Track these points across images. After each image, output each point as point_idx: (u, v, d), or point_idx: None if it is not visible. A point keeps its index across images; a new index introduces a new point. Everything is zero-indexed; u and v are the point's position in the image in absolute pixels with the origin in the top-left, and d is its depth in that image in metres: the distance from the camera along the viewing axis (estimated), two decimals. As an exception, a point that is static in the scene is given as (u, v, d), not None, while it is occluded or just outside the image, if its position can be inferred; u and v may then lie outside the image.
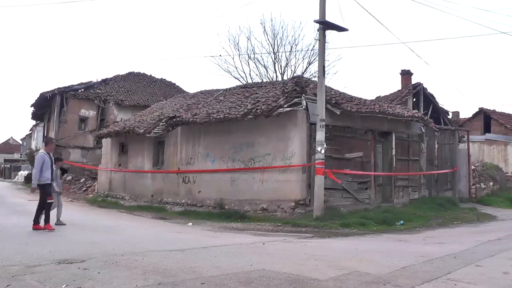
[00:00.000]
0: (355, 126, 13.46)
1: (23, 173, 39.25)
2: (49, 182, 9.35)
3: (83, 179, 24.60)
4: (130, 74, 31.73)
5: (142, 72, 32.55)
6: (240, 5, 68.11)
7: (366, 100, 15.51)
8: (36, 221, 9.13)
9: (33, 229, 8.93)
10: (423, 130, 16.22)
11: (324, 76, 11.71)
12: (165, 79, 33.00)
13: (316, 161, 11.39)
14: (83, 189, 22.79)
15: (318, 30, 12.19)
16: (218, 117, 13.27)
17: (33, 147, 41.84)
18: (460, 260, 6.45)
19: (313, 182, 11.50)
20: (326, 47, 12.19)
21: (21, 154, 55.84)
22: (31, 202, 17.25)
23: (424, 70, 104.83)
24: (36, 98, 28.41)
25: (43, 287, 4.41)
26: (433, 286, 4.83)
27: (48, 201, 9.28)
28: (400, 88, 22.92)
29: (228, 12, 67.53)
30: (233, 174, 13.36)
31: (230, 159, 13.56)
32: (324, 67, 11.86)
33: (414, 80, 22.94)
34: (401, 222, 11.69)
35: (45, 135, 32.43)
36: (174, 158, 15.70)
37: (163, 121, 15.53)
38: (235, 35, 53.30)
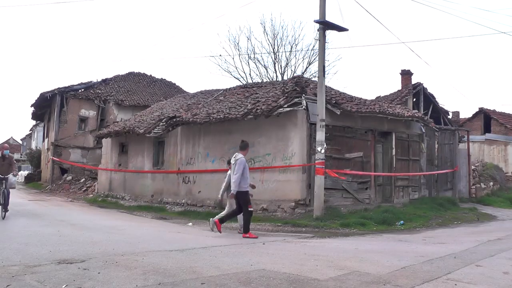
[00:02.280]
0: (355, 126, 13.46)
1: (23, 173, 39.22)
2: (248, 190, 8.95)
3: (83, 179, 24.59)
4: (130, 74, 31.71)
5: (142, 72, 32.53)
6: (240, 5, 68.13)
7: (366, 100, 15.51)
8: (246, 229, 8.79)
9: (243, 237, 8.63)
10: (423, 130, 16.22)
11: (324, 76, 11.71)
12: (165, 79, 32.98)
13: (316, 161, 11.39)
14: (83, 189, 22.78)
15: (318, 30, 12.19)
16: (218, 117, 13.27)
17: (33, 147, 41.87)
18: (460, 260, 6.45)
19: (313, 182, 11.50)
20: (326, 47, 12.18)
21: (21, 154, 55.82)
22: (31, 202, 17.30)
23: (424, 70, 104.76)
24: (36, 98, 28.39)
25: (43, 287, 4.41)
26: (433, 286, 4.83)
27: (250, 209, 8.94)
28: (400, 88, 22.92)
29: (228, 12, 67.56)
30: (233, 174, 13.33)
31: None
32: (324, 67, 11.85)
33: (414, 80, 22.95)
34: (401, 222, 11.70)
35: (46, 135, 32.42)
36: (174, 158, 15.70)
37: (163, 121, 15.52)
38: (235, 35, 53.50)
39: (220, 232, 9.05)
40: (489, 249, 7.66)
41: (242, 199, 8.87)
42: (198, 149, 14.74)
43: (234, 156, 9.17)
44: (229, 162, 9.72)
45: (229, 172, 9.60)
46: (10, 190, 11.66)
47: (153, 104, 23.74)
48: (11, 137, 70.73)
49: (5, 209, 11.23)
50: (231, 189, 8.94)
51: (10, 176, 11.46)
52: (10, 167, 11.46)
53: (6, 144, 11.74)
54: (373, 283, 4.87)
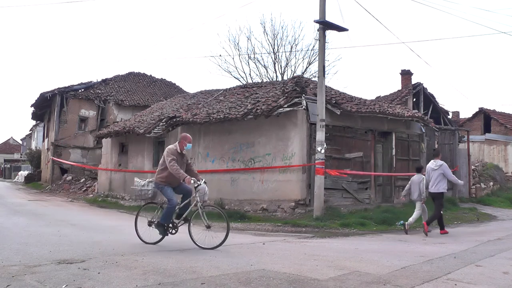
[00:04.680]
0: (355, 126, 13.46)
1: (23, 173, 39.25)
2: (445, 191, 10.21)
3: (83, 179, 24.58)
4: (130, 74, 31.72)
5: (142, 72, 32.54)
6: (240, 5, 68.12)
7: (366, 100, 15.50)
8: (441, 226, 10.12)
9: (441, 233, 9.94)
10: (423, 130, 16.22)
11: (324, 76, 11.71)
12: (165, 79, 32.99)
13: (316, 161, 11.38)
14: (83, 189, 22.77)
15: (318, 30, 12.19)
16: (218, 117, 13.27)
17: (33, 147, 41.87)
18: (460, 260, 6.45)
19: (313, 182, 11.50)
20: (326, 47, 12.18)
21: (21, 154, 55.84)
22: (31, 202, 17.30)
23: (424, 70, 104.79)
24: (36, 98, 28.39)
25: (43, 287, 4.41)
26: (433, 286, 4.83)
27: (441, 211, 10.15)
28: (400, 88, 22.92)
29: (228, 12, 67.56)
30: (233, 174, 13.35)
31: (230, 159, 13.56)
32: (324, 67, 11.85)
33: (414, 80, 22.94)
34: (401, 222, 11.67)
35: (46, 135, 32.40)
36: (174, 158, 15.67)
37: (163, 121, 15.52)
38: (235, 35, 53.48)
39: (427, 235, 9.78)
40: (489, 249, 7.66)
41: (440, 200, 10.12)
42: (198, 149, 14.73)
43: (434, 161, 10.23)
44: (419, 169, 11.04)
45: (414, 177, 10.72)
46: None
47: (153, 104, 23.74)
48: (11, 137, 70.80)
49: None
50: (436, 190, 9.98)
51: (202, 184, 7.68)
52: (191, 170, 7.94)
53: (188, 135, 7.83)
54: (373, 283, 4.87)
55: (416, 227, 11.55)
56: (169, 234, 7.26)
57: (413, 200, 10.73)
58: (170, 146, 7.56)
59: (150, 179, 8.00)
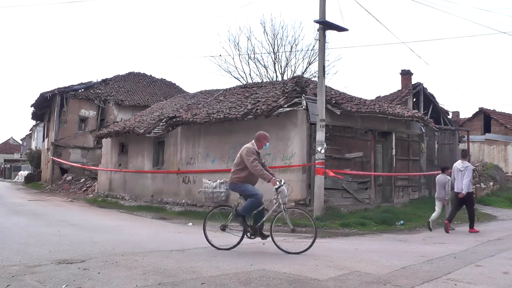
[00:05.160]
0: (355, 126, 13.46)
1: (23, 173, 39.25)
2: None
3: (83, 179, 24.58)
4: (130, 74, 31.72)
5: (142, 72, 32.56)
6: (240, 5, 68.12)
7: (366, 100, 15.50)
8: (472, 225, 10.55)
9: (470, 232, 10.31)
10: (423, 130, 16.22)
11: (324, 76, 11.71)
12: (165, 79, 33.00)
13: (316, 161, 11.38)
14: (83, 189, 22.78)
15: (318, 30, 12.19)
16: (218, 117, 13.27)
17: (33, 147, 41.86)
18: (460, 260, 6.45)
19: (313, 182, 11.50)
20: (326, 47, 12.17)
21: (21, 154, 55.84)
22: (31, 202, 17.30)
23: (424, 70, 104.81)
24: (36, 98, 28.41)
25: (43, 287, 4.41)
26: (433, 286, 4.83)
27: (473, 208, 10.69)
28: (400, 88, 22.93)
29: (228, 12, 67.56)
30: (233, 174, 13.33)
31: (230, 159, 13.53)
32: (324, 67, 11.85)
33: (414, 80, 22.96)
34: (401, 222, 11.69)
35: (46, 135, 32.41)
36: (174, 158, 15.70)
37: (163, 121, 15.52)
38: (235, 35, 53.51)
39: (448, 232, 10.14)
40: (489, 249, 7.66)
41: (470, 198, 10.56)
42: (198, 149, 14.73)
43: (462, 162, 10.61)
44: (444, 169, 11.53)
45: (439, 176, 11.26)
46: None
47: (153, 104, 23.74)
48: (11, 137, 70.81)
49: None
50: (460, 190, 10.37)
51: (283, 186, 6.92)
52: (267, 170, 7.17)
53: (266, 133, 7.57)
54: (373, 283, 4.87)
55: (416, 227, 11.56)
56: (245, 237, 6.83)
57: (436, 198, 11.22)
58: (248, 146, 7.11)
59: (222, 180, 7.66)
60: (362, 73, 75.85)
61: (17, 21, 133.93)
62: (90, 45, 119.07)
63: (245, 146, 7.12)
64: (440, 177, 11.14)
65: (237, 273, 5.18)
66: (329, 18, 11.87)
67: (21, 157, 54.16)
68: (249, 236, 6.79)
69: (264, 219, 6.88)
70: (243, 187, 6.86)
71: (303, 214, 7.41)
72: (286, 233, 9.90)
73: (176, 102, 19.13)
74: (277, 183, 6.65)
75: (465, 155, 11.03)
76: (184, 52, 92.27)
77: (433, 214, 10.94)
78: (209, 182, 7.51)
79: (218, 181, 7.57)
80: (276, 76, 29.07)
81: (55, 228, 9.24)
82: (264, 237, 6.83)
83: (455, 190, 10.54)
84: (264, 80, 26.61)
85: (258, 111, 12.22)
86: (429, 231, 10.55)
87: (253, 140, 7.23)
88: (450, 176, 10.93)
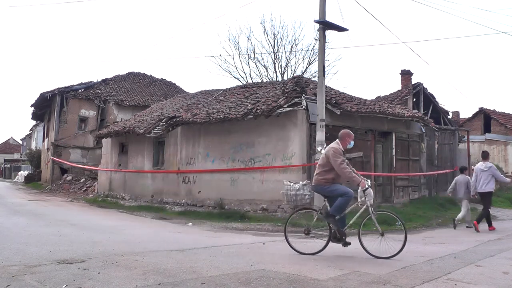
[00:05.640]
0: (355, 126, 13.45)
1: (23, 173, 39.25)
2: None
3: (83, 179, 24.58)
4: (130, 74, 31.73)
5: (142, 72, 32.57)
6: (240, 5, 68.12)
7: (366, 100, 15.50)
8: (489, 223, 10.86)
9: (489, 230, 10.62)
10: (423, 130, 16.22)
11: (324, 76, 11.70)
12: (165, 79, 33.01)
13: (316, 161, 11.37)
14: (83, 189, 22.77)
15: (318, 30, 12.18)
16: (218, 117, 13.27)
17: (33, 147, 41.86)
18: (460, 260, 6.45)
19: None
20: (326, 47, 12.16)
21: (21, 154, 55.84)
22: (31, 202, 17.30)
23: (424, 70, 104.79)
24: (36, 98, 28.41)
25: (43, 287, 4.41)
26: (433, 286, 4.83)
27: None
28: (400, 88, 22.93)
29: (228, 12, 67.56)
30: (233, 174, 13.35)
31: (230, 159, 13.56)
32: (324, 67, 11.84)
33: (414, 80, 22.96)
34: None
35: (46, 135, 32.42)
36: (174, 158, 15.70)
37: (163, 121, 15.52)
38: (235, 35, 53.53)
39: (478, 231, 10.31)
40: (489, 249, 7.66)
41: (489, 198, 10.80)
42: (198, 149, 14.73)
43: (483, 163, 10.86)
44: (463, 169, 12.14)
45: (459, 177, 11.76)
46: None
47: (153, 104, 23.75)
48: (11, 137, 70.80)
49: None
50: (480, 189, 10.68)
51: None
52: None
53: (351, 132, 7.35)
54: (373, 283, 4.87)
55: (416, 227, 11.56)
56: (331, 242, 6.56)
57: (459, 198, 11.65)
58: (333, 145, 6.77)
59: (304, 182, 7.40)
60: (362, 73, 75.89)
61: (17, 21, 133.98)
62: (90, 45, 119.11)
63: (330, 146, 6.81)
64: (460, 178, 11.64)
65: (237, 273, 5.18)
66: (329, 18, 11.87)
67: (21, 157, 54.17)
68: (334, 240, 6.53)
69: (350, 222, 6.75)
70: (331, 188, 6.60)
71: (387, 215, 7.37)
72: (292, 233, 9.91)
73: (176, 102, 19.14)
74: (366, 185, 6.43)
75: (486, 156, 11.27)
76: (184, 52, 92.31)
77: (460, 214, 11.36)
78: (291, 183, 7.19)
79: (301, 182, 7.34)
80: (276, 76, 29.10)
81: (55, 228, 9.24)
82: (346, 244, 6.56)
83: (478, 190, 10.83)
84: (264, 80, 26.62)
85: (258, 111, 12.22)
86: (453, 229, 10.99)
87: (337, 139, 6.96)
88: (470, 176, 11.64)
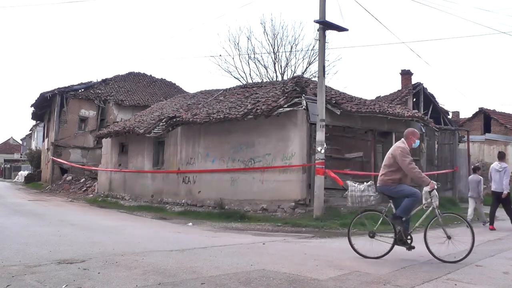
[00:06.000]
0: (355, 126, 13.46)
1: (23, 173, 39.26)
2: None
3: (83, 179, 24.59)
4: (130, 74, 31.73)
5: (142, 72, 32.57)
6: (240, 5, 68.12)
7: (366, 100, 15.50)
8: (491, 222, 11.05)
9: (490, 229, 10.82)
10: (423, 130, 16.22)
11: (324, 76, 11.71)
12: (165, 79, 33.01)
13: (316, 161, 11.38)
14: (83, 189, 22.78)
15: (318, 30, 12.19)
16: (218, 117, 13.27)
17: (33, 147, 41.86)
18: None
19: (313, 182, 11.50)
20: (326, 47, 12.18)
21: (21, 154, 55.84)
22: (31, 202, 17.30)
23: (424, 70, 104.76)
24: (36, 98, 28.41)
25: (43, 287, 4.41)
26: (433, 286, 4.84)
27: None
28: (400, 88, 22.92)
29: (228, 12, 67.55)
30: (233, 174, 13.35)
31: (230, 159, 13.56)
32: (324, 67, 11.85)
33: (414, 80, 22.96)
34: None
35: (46, 135, 32.46)
36: (174, 158, 15.70)
37: (163, 121, 15.53)
38: (235, 35, 53.53)
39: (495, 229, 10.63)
40: (489, 249, 7.66)
41: (509, 198, 10.91)
42: (198, 149, 14.73)
43: (499, 163, 10.99)
44: (475, 169, 12.23)
45: (472, 176, 11.90)
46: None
47: (153, 104, 23.75)
48: (11, 137, 70.79)
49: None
50: (501, 190, 10.77)
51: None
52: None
53: (416, 130, 7.16)
54: (373, 283, 4.87)
55: (417, 227, 11.54)
56: (396, 245, 6.36)
57: (469, 196, 11.84)
58: (400, 145, 6.61)
59: (369, 183, 7.13)
60: (362, 73, 75.85)
61: (17, 21, 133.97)
62: (90, 45, 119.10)
63: (397, 145, 6.63)
64: (473, 177, 11.87)
65: (237, 273, 5.18)
66: (329, 18, 11.88)
67: (21, 157, 54.17)
68: (399, 243, 6.33)
69: (416, 225, 6.56)
70: (398, 188, 6.43)
71: (454, 216, 7.13)
72: (286, 233, 9.93)
73: (176, 102, 19.14)
74: (435, 186, 6.27)
75: (503, 156, 11.46)
76: (184, 52, 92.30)
77: (469, 212, 11.61)
78: (356, 184, 6.97)
79: (365, 183, 7.10)
80: (276, 76, 29.10)
81: (55, 228, 9.24)
82: (410, 248, 6.36)
83: (494, 189, 10.98)
84: (264, 80, 26.61)
85: (258, 111, 12.22)
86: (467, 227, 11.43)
87: (402, 138, 6.81)
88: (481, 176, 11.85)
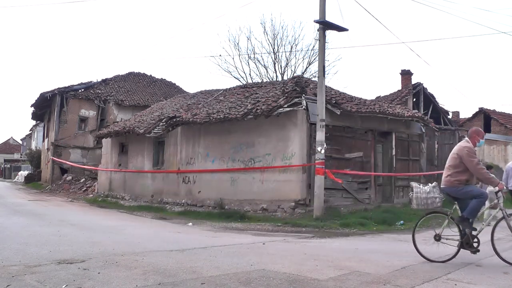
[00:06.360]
0: (355, 126, 13.46)
1: (23, 173, 39.25)
2: None
3: (83, 179, 24.59)
4: (130, 74, 31.72)
5: (142, 72, 32.55)
6: (240, 5, 68.15)
7: (366, 100, 15.51)
8: None
9: None
10: (423, 130, 16.23)
11: (324, 76, 11.71)
12: (165, 79, 33.00)
13: (316, 161, 11.39)
14: (83, 189, 22.78)
15: (318, 30, 12.20)
16: (218, 117, 13.27)
17: (33, 147, 41.86)
18: (460, 260, 6.44)
19: (313, 182, 11.50)
20: (326, 47, 12.18)
21: (21, 154, 55.82)
22: (31, 202, 17.30)
23: (424, 70, 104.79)
24: (36, 98, 28.40)
25: (43, 287, 4.41)
26: (433, 286, 4.83)
27: None
28: (400, 88, 22.92)
29: (228, 12, 67.55)
30: (233, 174, 13.36)
31: (230, 159, 13.56)
32: (324, 67, 11.85)
33: (414, 80, 22.95)
34: (401, 222, 11.68)
35: (46, 135, 32.49)
36: (174, 158, 15.71)
37: (163, 121, 15.53)
38: (235, 35, 53.53)
39: None
40: (489, 249, 7.64)
41: None
42: (198, 149, 14.74)
43: None
44: (488, 168, 11.81)
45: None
46: None
47: (153, 104, 23.74)
48: (11, 137, 70.76)
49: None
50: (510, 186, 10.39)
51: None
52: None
53: (478, 128, 6.86)
54: (373, 283, 4.87)
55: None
56: (462, 248, 6.17)
57: None
58: (465, 144, 6.34)
59: (434, 184, 6.92)
60: (362, 73, 75.81)
61: (17, 21, 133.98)
62: (90, 45, 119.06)
63: (462, 145, 6.36)
64: None
65: (237, 273, 5.18)
66: (329, 18, 11.89)
67: (21, 157, 54.15)
68: (466, 246, 6.13)
69: (482, 227, 6.28)
70: (466, 189, 6.25)
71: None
72: (286, 233, 9.94)
73: (176, 102, 19.14)
74: (504, 187, 6.08)
75: None
76: (184, 52, 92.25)
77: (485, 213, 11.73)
78: (421, 186, 6.76)
79: (430, 184, 6.88)
80: (276, 76, 29.08)
81: (55, 228, 9.24)
82: (476, 251, 6.16)
83: (511, 187, 10.89)
84: (264, 80, 26.61)
85: (258, 111, 12.22)
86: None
87: (466, 137, 6.58)
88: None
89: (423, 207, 6.66)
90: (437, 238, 6.37)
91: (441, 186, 6.61)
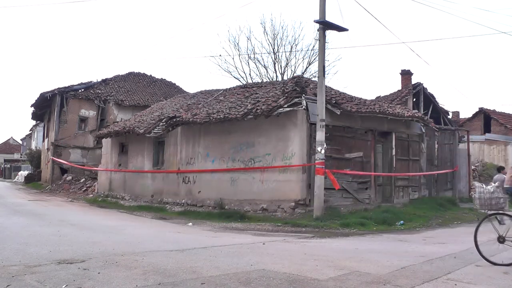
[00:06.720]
0: (355, 126, 13.46)
1: (23, 173, 39.23)
2: None
3: (83, 179, 24.59)
4: (130, 74, 31.71)
5: (142, 72, 32.53)
6: (240, 5, 68.11)
7: (366, 100, 15.50)
8: None
9: None
10: (423, 130, 16.22)
11: (324, 76, 11.71)
12: (165, 79, 32.98)
13: (316, 161, 11.38)
14: (83, 189, 22.78)
15: (318, 30, 12.20)
16: (218, 117, 13.27)
17: (33, 147, 41.86)
18: (460, 260, 6.46)
19: (313, 182, 11.50)
20: (326, 47, 12.18)
21: (21, 154, 55.81)
22: (31, 202, 17.31)
23: (424, 70, 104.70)
24: (36, 98, 28.39)
25: (43, 287, 4.41)
26: (433, 286, 4.84)
27: None
28: (400, 88, 22.89)
29: (228, 12, 67.55)
30: (233, 174, 13.36)
31: (230, 159, 13.56)
32: (324, 67, 11.85)
33: (414, 80, 22.89)
34: (401, 222, 11.69)
35: (46, 135, 32.49)
36: (174, 158, 15.70)
37: (163, 121, 15.53)
38: (235, 35, 53.43)
39: None
40: (489, 249, 7.65)
41: None
42: (198, 149, 14.73)
43: None
44: (500, 169, 12.67)
45: (496, 176, 11.96)
46: None
47: (153, 104, 23.74)
48: (11, 137, 70.72)
49: None
50: None
51: None
52: None
53: None
54: (373, 283, 4.87)
55: (416, 227, 11.56)
56: None
57: None
58: None
59: (497, 184, 6.79)
60: (362, 73, 75.83)
61: (17, 21, 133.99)
62: (90, 45, 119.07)
63: None
64: (497, 176, 12.21)
65: (237, 273, 5.18)
66: (329, 18, 11.89)
67: (21, 157, 54.14)
68: None
69: None
70: None
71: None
72: (286, 233, 9.94)
73: (176, 102, 19.14)
74: None
75: None
76: (184, 52, 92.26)
77: None
78: (483, 186, 6.69)
79: (493, 184, 6.76)
80: (276, 76, 29.07)
81: (55, 228, 9.24)
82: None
83: None
84: (264, 80, 26.60)
85: (258, 111, 12.22)
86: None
87: None
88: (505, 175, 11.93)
89: (487, 208, 6.50)
90: (501, 240, 6.20)
91: (505, 186, 6.46)
